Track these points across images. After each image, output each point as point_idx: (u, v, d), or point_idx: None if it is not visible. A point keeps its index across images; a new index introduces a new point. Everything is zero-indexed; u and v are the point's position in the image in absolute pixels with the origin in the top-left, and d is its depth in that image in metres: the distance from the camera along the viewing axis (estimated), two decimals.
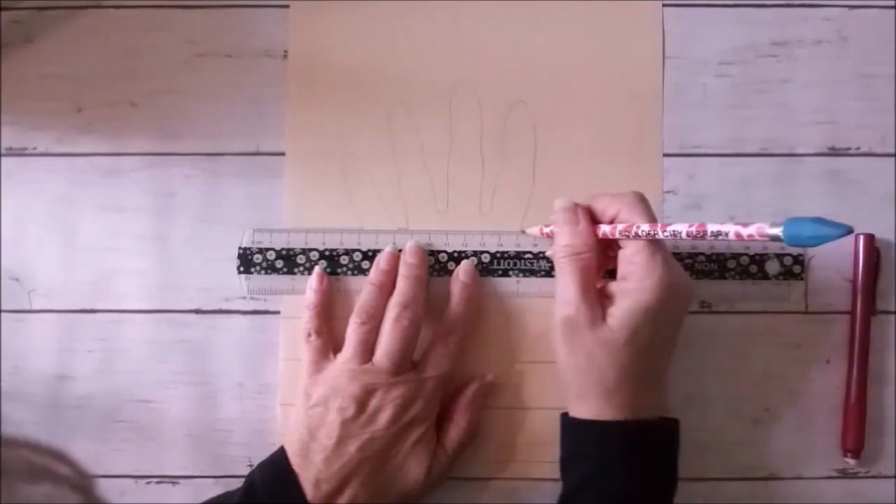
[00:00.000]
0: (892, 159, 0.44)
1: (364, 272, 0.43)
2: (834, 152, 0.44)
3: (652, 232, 0.36)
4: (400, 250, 0.43)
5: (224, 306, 0.44)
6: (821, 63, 0.45)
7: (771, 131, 0.44)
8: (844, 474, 0.43)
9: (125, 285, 0.44)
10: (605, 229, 0.38)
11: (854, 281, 0.43)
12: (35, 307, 0.44)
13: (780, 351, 0.44)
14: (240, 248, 0.44)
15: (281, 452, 0.40)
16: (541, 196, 0.44)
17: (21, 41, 0.45)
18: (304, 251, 0.44)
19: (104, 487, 0.43)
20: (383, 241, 0.43)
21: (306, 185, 0.44)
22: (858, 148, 0.44)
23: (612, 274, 0.40)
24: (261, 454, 0.41)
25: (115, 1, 0.45)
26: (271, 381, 0.44)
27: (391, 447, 0.39)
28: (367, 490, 0.39)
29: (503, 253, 0.44)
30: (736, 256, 0.43)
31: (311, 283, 0.43)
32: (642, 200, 0.38)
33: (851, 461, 0.43)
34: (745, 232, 0.32)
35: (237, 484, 0.40)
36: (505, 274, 0.44)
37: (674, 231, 0.35)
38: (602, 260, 0.40)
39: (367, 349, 0.40)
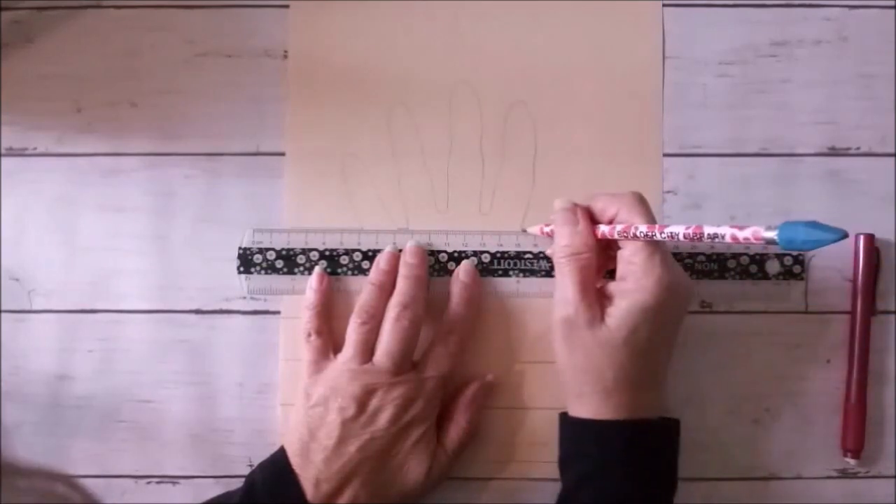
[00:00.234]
0: (892, 159, 0.44)
1: (364, 272, 0.43)
2: (834, 152, 0.44)
3: (650, 233, 0.36)
4: (400, 250, 0.43)
5: (224, 306, 0.44)
6: (821, 63, 0.45)
7: (771, 131, 0.44)
8: (844, 474, 0.43)
9: (125, 285, 0.44)
10: (603, 230, 0.38)
11: (854, 281, 0.43)
12: (35, 307, 0.44)
13: (780, 351, 0.44)
14: (240, 248, 0.44)
15: (281, 452, 0.40)
16: (541, 196, 0.44)
17: (21, 41, 0.45)
18: (304, 251, 0.44)
19: (104, 487, 0.43)
20: (383, 241, 0.43)
21: (306, 185, 0.44)
22: (858, 148, 0.44)
23: (613, 274, 0.40)
24: (261, 454, 0.41)
25: (115, 1, 0.45)
26: (271, 381, 0.44)
27: (391, 447, 0.39)
28: (368, 490, 0.39)
29: (503, 253, 0.44)
30: (736, 256, 0.43)
31: (311, 283, 0.43)
32: (641, 201, 0.38)
33: (851, 461, 0.43)
34: (740, 235, 0.32)
35: (237, 484, 0.40)
36: (505, 274, 0.44)
37: (671, 233, 0.35)
38: (603, 260, 0.40)
39: (368, 349, 0.40)
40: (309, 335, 0.42)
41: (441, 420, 0.42)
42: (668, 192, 0.44)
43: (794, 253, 0.43)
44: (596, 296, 0.38)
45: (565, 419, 0.40)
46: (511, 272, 0.44)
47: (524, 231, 0.44)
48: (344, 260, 0.43)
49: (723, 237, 0.33)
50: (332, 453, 0.39)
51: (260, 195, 0.44)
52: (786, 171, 0.44)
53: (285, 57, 0.45)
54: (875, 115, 0.44)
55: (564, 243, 0.39)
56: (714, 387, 0.43)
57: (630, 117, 0.44)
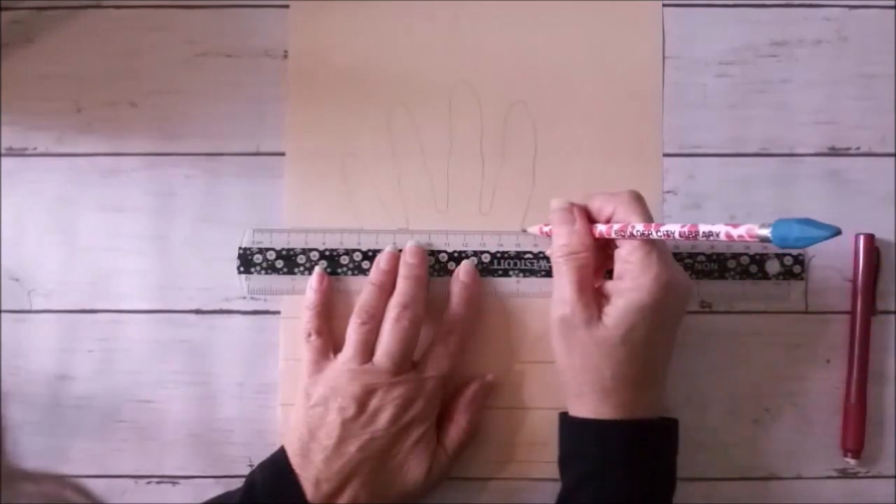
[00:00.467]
0: (892, 159, 0.44)
1: (364, 272, 0.43)
2: (834, 152, 0.44)
3: (646, 231, 0.36)
4: (400, 250, 0.43)
5: (224, 306, 0.44)
6: (821, 63, 0.45)
7: (771, 131, 0.44)
8: (844, 474, 0.43)
9: (125, 285, 0.44)
10: (601, 229, 0.38)
11: (854, 281, 0.43)
12: (35, 307, 0.44)
13: (780, 351, 0.44)
14: (240, 248, 0.44)
15: (281, 452, 0.40)
16: (541, 196, 0.44)
17: (21, 41, 0.45)
18: (305, 251, 0.44)
19: (104, 487, 0.43)
20: (383, 241, 0.43)
21: (306, 185, 0.44)
22: (858, 148, 0.44)
23: (612, 274, 0.40)
24: (261, 454, 0.41)
25: (115, 1, 0.45)
26: (271, 381, 0.44)
27: (391, 447, 0.39)
28: (368, 490, 0.39)
29: (503, 253, 0.44)
30: (736, 256, 0.43)
31: (311, 283, 0.43)
32: (637, 199, 0.38)
33: (851, 461, 0.43)
34: (735, 233, 0.32)
35: (237, 484, 0.40)
36: (505, 274, 0.44)
37: (667, 231, 0.35)
38: (602, 260, 0.40)
39: (368, 349, 0.40)
40: (309, 335, 0.42)
41: (441, 420, 0.42)
42: (668, 192, 0.44)
43: (795, 253, 0.43)
44: (593, 295, 0.38)
45: (565, 419, 0.40)
46: (511, 272, 0.44)
47: (524, 231, 0.44)
48: (344, 260, 0.43)
49: (717, 235, 0.33)
50: (333, 453, 0.39)
51: (260, 195, 0.44)
52: (786, 171, 0.44)
53: (285, 57, 0.45)
54: (875, 115, 0.44)
55: (561, 243, 0.39)
56: (714, 387, 0.43)
57: (630, 117, 0.44)
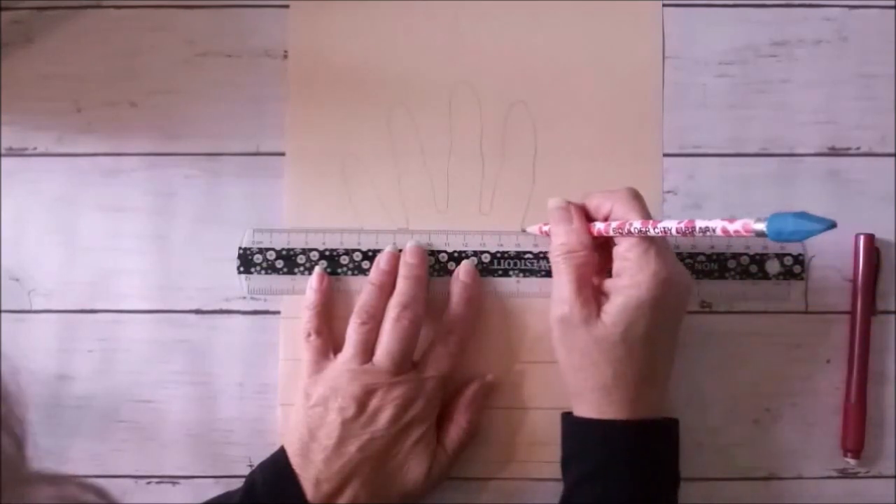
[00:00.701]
0: (892, 159, 0.44)
1: (364, 272, 0.43)
2: (834, 152, 0.44)
3: (643, 228, 0.36)
4: (400, 250, 0.43)
5: (224, 306, 0.44)
6: (821, 63, 0.45)
7: (771, 131, 0.44)
8: (844, 474, 0.43)
9: (125, 285, 0.44)
10: (599, 227, 0.38)
11: (854, 281, 0.43)
12: (35, 307, 0.44)
13: (780, 351, 0.44)
14: (240, 248, 0.44)
15: (281, 452, 0.40)
16: (541, 196, 0.44)
17: (21, 41, 0.45)
18: (305, 251, 0.44)
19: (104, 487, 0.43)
20: (383, 241, 0.43)
21: (306, 185, 0.44)
22: (858, 148, 0.44)
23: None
24: (261, 454, 0.41)
25: (115, 1, 0.45)
26: (271, 381, 0.43)
27: (391, 447, 0.39)
28: (368, 490, 0.39)
29: (503, 253, 0.44)
30: (736, 256, 0.43)
31: (311, 283, 0.43)
32: (635, 196, 0.38)
33: (851, 461, 0.43)
34: (731, 227, 0.32)
35: (237, 484, 0.40)
36: (505, 274, 0.44)
37: (664, 227, 0.35)
38: (603, 259, 0.40)
39: (368, 349, 0.40)
40: (309, 335, 0.42)
41: (441, 420, 0.42)
42: (668, 192, 0.44)
43: (795, 253, 0.43)
44: (592, 293, 0.38)
45: (567, 419, 0.40)
46: (511, 272, 0.44)
47: (524, 231, 0.44)
48: (344, 260, 0.43)
49: (714, 230, 0.33)
50: (333, 453, 0.39)
51: (260, 195, 0.44)
52: (786, 171, 0.44)
53: (285, 57, 0.45)
54: (875, 115, 0.44)
55: (559, 242, 0.39)
56: (714, 387, 0.43)
57: (630, 117, 0.44)
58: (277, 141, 0.44)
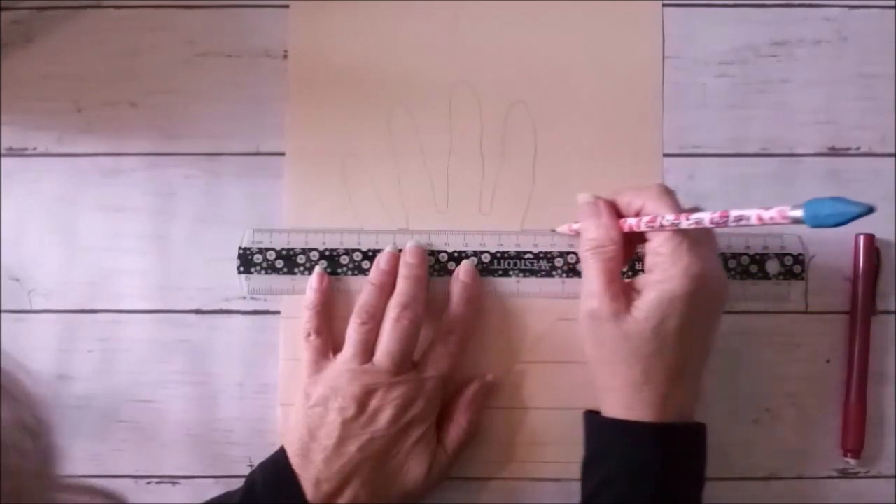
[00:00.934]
0: (892, 159, 0.44)
1: (364, 272, 0.43)
2: (834, 152, 0.44)
3: (676, 221, 0.35)
4: (400, 250, 0.43)
5: (224, 306, 0.44)
6: (821, 63, 0.45)
7: (771, 131, 0.44)
8: (844, 474, 0.43)
9: (125, 285, 0.44)
10: (630, 222, 0.38)
11: (854, 281, 0.43)
12: (35, 307, 0.44)
13: (780, 351, 0.44)
14: (240, 248, 0.44)
15: (281, 452, 0.40)
16: (541, 196, 0.44)
17: (21, 41, 0.45)
18: (305, 251, 0.44)
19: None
20: (383, 241, 0.43)
21: (306, 185, 0.44)
22: (858, 148, 0.44)
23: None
24: (261, 454, 0.41)
25: (115, 1, 0.45)
26: (271, 381, 0.43)
27: (391, 447, 0.39)
28: (368, 490, 0.39)
29: (503, 253, 0.44)
30: (736, 256, 0.43)
31: (311, 283, 0.43)
32: (667, 192, 0.37)
33: (851, 461, 0.43)
34: (766, 215, 0.31)
35: (237, 484, 0.40)
36: (505, 274, 0.44)
37: (697, 219, 0.34)
38: (630, 252, 0.39)
39: (368, 349, 0.40)
40: (308, 335, 0.42)
41: (441, 420, 0.42)
42: None
43: (795, 253, 0.43)
44: (622, 288, 0.37)
45: (592, 418, 0.39)
46: (511, 272, 0.44)
47: (553, 231, 0.43)
48: (344, 260, 0.43)
49: (748, 219, 0.32)
50: (333, 453, 0.39)
51: (260, 195, 0.44)
52: (786, 171, 0.44)
53: (285, 57, 0.45)
54: (875, 115, 0.44)
55: (589, 237, 0.38)
56: (714, 387, 0.43)
57: (630, 117, 0.44)
58: (277, 141, 0.44)
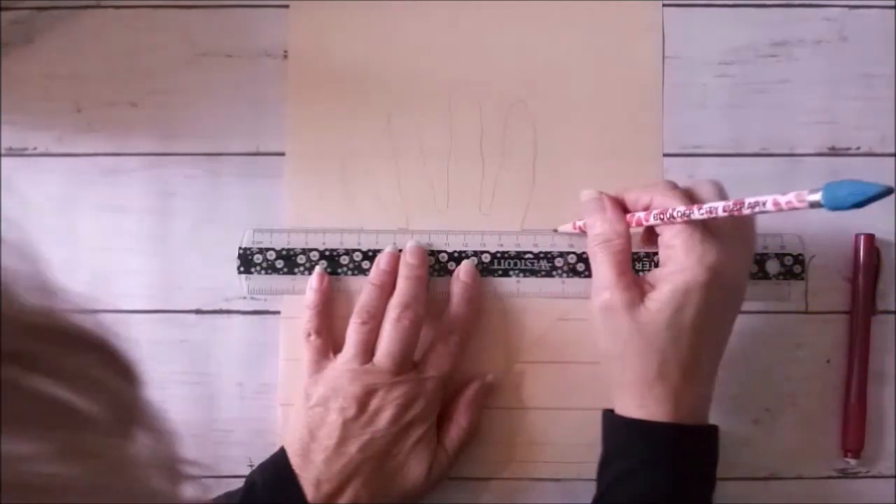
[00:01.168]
0: (892, 159, 0.44)
1: (364, 272, 0.43)
2: (834, 152, 0.44)
3: (687, 212, 0.35)
4: (400, 250, 0.43)
5: (224, 306, 0.44)
6: (821, 63, 0.45)
7: (771, 131, 0.44)
8: (844, 474, 0.43)
9: (125, 285, 0.44)
10: (639, 216, 0.38)
11: (854, 281, 0.43)
12: None
13: (780, 351, 0.44)
14: (240, 248, 0.44)
15: (281, 453, 0.40)
16: (541, 196, 0.44)
17: (21, 41, 0.45)
18: (305, 251, 0.44)
19: None
20: (383, 241, 0.43)
21: (306, 185, 0.44)
22: (858, 148, 0.44)
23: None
24: (261, 454, 0.41)
25: (115, 1, 0.45)
26: (271, 381, 0.43)
27: (392, 447, 0.39)
28: (368, 490, 0.39)
29: (503, 253, 0.44)
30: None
31: (311, 283, 0.43)
32: (674, 187, 0.37)
33: (851, 461, 0.43)
34: (783, 200, 0.31)
35: (237, 484, 0.40)
36: (505, 274, 0.44)
37: (710, 208, 0.34)
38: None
39: (368, 349, 0.40)
40: (309, 335, 0.42)
41: (441, 420, 0.42)
42: None
43: (795, 253, 0.43)
44: (633, 280, 0.37)
45: (608, 417, 0.39)
46: (511, 272, 0.44)
47: (555, 231, 0.43)
48: (344, 260, 0.43)
49: (764, 205, 0.32)
50: (333, 454, 0.39)
51: (260, 195, 0.44)
52: (786, 171, 0.44)
53: (285, 57, 0.45)
54: (875, 115, 0.44)
55: (596, 232, 0.38)
56: (714, 387, 0.43)
57: (630, 117, 0.44)
58: (277, 141, 0.44)
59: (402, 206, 0.44)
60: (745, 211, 0.33)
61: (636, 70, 0.45)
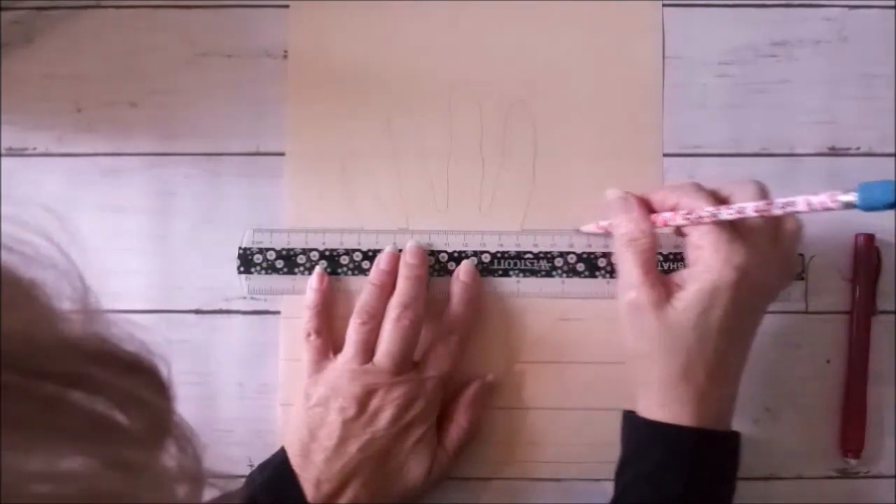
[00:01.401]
0: (892, 159, 0.44)
1: (364, 272, 0.43)
2: (834, 152, 0.44)
3: (715, 212, 0.35)
4: (400, 250, 0.43)
5: (224, 306, 0.44)
6: (821, 63, 0.45)
7: (771, 131, 0.44)
8: (844, 474, 0.43)
9: (125, 285, 0.44)
10: (666, 216, 0.38)
11: (854, 281, 0.43)
12: None
13: (780, 351, 0.44)
14: (240, 248, 0.44)
15: (281, 453, 0.40)
16: (541, 196, 0.44)
17: (21, 41, 0.45)
18: (305, 251, 0.44)
19: None
20: (383, 241, 0.43)
21: (306, 185, 0.44)
22: (858, 148, 0.44)
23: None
24: (261, 454, 0.41)
25: (115, 1, 0.45)
26: (271, 381, 0.43)
27: (392, 447, 0.39)
28: (368, 490, 0.39)
29: (503, 253, 0.44)
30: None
31: (311, 283, 0.43)
32: (701, 188, 0.37)
33: (851, 461, 0.43)
34: (815, 200, 0.31)
35: (237, 484, 0.40)
36: (505, 274, 0.44)
37: (739, 208, 0.34)
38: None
39: (368, 349, 0.40)
40: (309, 335, 0.42)
41: (441, 420, 0.42)
42: None
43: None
44: (659, 278, 0.37)
45: (631, 420, 0.38)
46: (511, 272, 0.44)
47: (577, 231, 0.43)
48: (344, 260, 0.43)
49: (795, 205, 0.32)
50: (333, 454, 0.39)
51: (260, 195, 0.44)
52: (786, 171, 0.44)
53: (285, 57, 0.45)
54: (875, 115, 0.44)
55: (622, 231, 0.38)
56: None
57: (630, 117, 0.44)
58: (277, 141, 0.44)
59: (402, 206, 0.44)
60: (776, 211, 0.32)
61: (636, 70, 0.45)
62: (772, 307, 0.43)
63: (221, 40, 0.45)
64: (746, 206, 0.34)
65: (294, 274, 0.43)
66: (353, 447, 0.39)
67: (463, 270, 0.43)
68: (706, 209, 0.35)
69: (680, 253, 0.42)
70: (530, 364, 0.44)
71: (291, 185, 0.44)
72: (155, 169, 0.44)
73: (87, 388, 0.20)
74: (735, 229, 0.36)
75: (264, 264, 0.44)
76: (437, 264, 0.43)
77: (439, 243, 0.44)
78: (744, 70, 0.45)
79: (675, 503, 0.36)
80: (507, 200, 0.44)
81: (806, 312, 0.44)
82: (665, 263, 0.43)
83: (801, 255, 0.43)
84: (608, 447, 0.42)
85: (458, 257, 0.44)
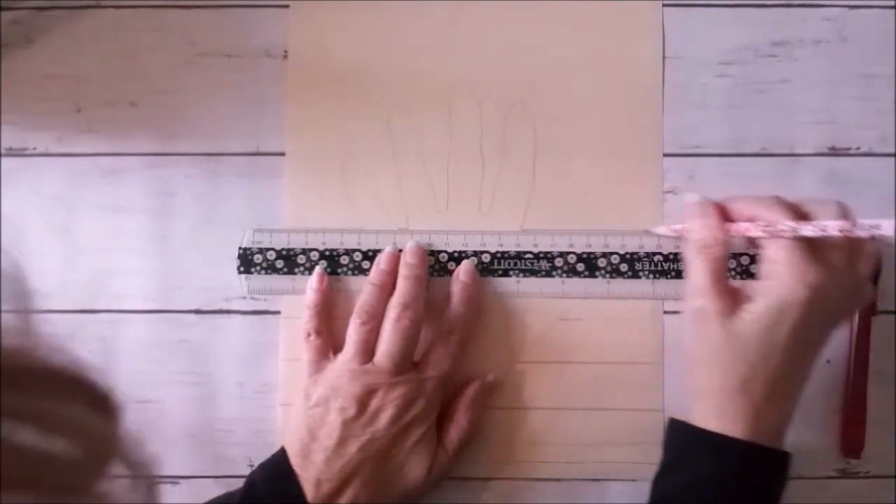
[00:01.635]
0: (892, 159, 0.44)
1: (364, 272, 0.43)
2: (834, 152, 0.44)
3: (796, 227, 0.34)
4: (400, 250, 0.43)
5: (224, 306, 0.44)
6: (821, 63, 0.45)
7: (771, 131, 0.44)
8: (844, 474, 0.43)
9: (125, 285, 0.44)
10: (745, 225, 0.37)
11: None
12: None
13: None
14: (240, 248, 0.44)
15: (281, 453, 0.40)
16: (541, 196, 0.44)
17: (21, 41, 0.45)
18: (305, 251, 0.44)
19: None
20: (383, 241, 0.43)
21: (306, 185, 0.44)
22: (858, 148, 0.44)
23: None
24: (261, 454, 0.41)
25: (115, 1, 0.45)
26: (271, 381, 0.43)
27: (392, 447, 0.39)
28: (368, 490, 0.39)
29: (503, 253, 0.44)
30: (736, 256, 0.43)
31: (311, 283, 0.43)
32: (782, 202, 0.37)
33: (851, 461, 0.43)
34: None
35: (237, 484, 0.40)
36: (505, 274, 0.44)
37: (822, 226, 0.33)
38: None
39: (368, 349, 0.40)
40: (309, 335, 0.42)
41: (441, 420, 0.42)
42: (668, 192, 0.44)
43: None
44: (728, 288, 0.36)
45: (679, 426, 0.38)
46: (511, 272, 0.44)
47: (647, 231, 0.43)
48: (344, 260, 0.43)
49: (879, 227, 0.31)
50: (333, 454, 0.39)
51: (260, 195, 0.44)
52: (786, 171, 0.44)
53: (285, 57, 0.45)
54: (875, 115, 0.44)
55: (696, 237, 0.38)
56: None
57: (630, 117, 0.44)
58: (277, 141, 0.44)
59: (402, 206, 0.44)
60: (860, 233, 0.32)
61: (636, 70, 0.45)
62: None
63: (221, 40, 0.45)
64: (829, 224, 0.33)
65: (294, 274, 0.43)
66: (353, 447, 0.39)
67: (463, 270, 0.43)
68: (786, 223, 0.35)
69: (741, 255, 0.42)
70: (530, 364, 0.44)
71: (291, 185, 0.44)
72: (155, 169, 0.44)
73: (14, 418, 0.18)
74: (812, 247, 0.35)
75: (264, 264, 0.44)
76: (437, 264, 0.43)
77: (439, 243, 0.44)
78: (744, 70, 0.45)
79: None
80: (507, 200, 0.44)
81: None
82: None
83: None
84: (608, 447, 0.43)
85: (458, 257, 0.44)
